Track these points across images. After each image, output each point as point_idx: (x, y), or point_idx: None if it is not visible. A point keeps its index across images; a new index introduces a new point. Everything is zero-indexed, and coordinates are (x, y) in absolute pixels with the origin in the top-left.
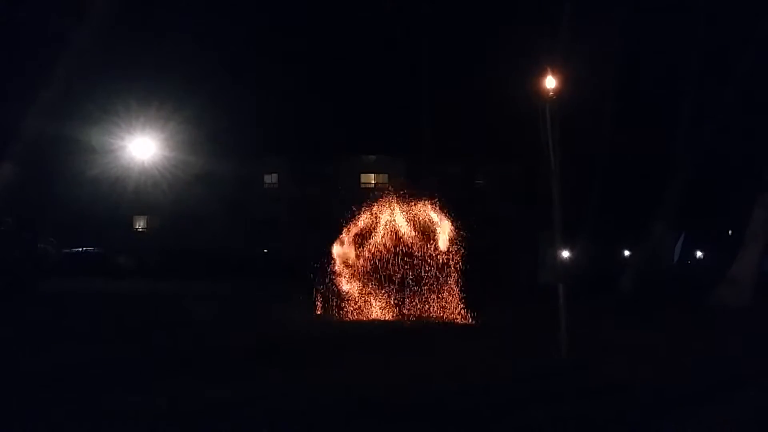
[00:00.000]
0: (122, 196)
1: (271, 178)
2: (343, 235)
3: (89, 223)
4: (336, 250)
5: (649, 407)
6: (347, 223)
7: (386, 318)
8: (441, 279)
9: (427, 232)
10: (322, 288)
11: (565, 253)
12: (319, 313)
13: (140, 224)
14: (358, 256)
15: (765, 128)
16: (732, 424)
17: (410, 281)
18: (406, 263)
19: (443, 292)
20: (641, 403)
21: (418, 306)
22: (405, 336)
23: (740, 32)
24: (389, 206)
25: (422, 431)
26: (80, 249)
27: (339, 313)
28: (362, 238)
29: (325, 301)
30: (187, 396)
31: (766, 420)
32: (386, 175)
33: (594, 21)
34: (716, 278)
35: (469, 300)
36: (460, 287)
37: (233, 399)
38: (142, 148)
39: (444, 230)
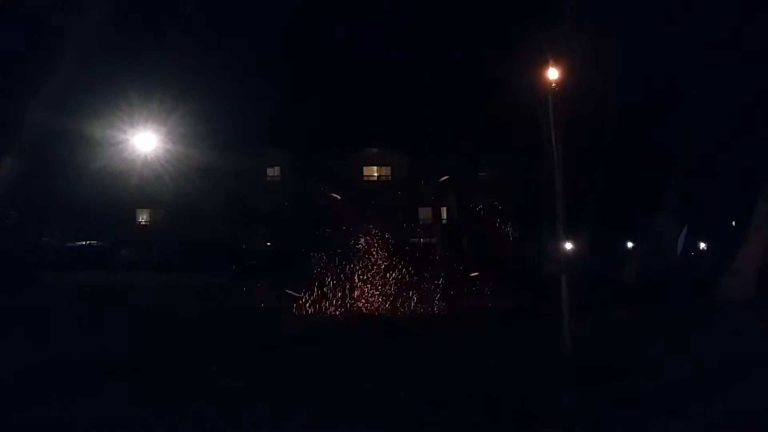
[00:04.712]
0: (125, 190)
1: (273, 171)
2: None
3: (92, 217)
4: None
5: (647, 399)
6: None
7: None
8: (446, 271)
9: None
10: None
11: (568, 245)
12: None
13: (143, 217)
14: None
15: None
16: (727, 414)
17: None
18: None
19: (446, 283)
20: (640, 394)
21: (418, 297)
22: (396, 331)
23: (744, 24)
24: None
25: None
26: (84, 242)
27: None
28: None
29: (320, 296)
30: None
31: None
32: (389, 168)
33: (597, 11)
34: (720, 270)
35: (474, 291)
36: (466, 278)
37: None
38: (144, 141)
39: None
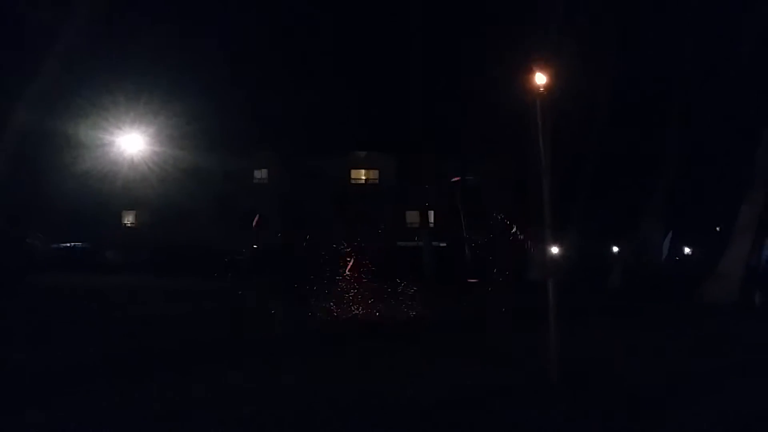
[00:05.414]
0: (111, 191)
1: (260, 174)
2: None
3: (78, 219)
4: None
5: (628, 404)
6: None
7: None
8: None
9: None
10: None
11: (555, 249)
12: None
13: (129, 219)
14: None
15: (752, 126)
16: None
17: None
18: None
19: (432, 287)
20: (623, 399)
21: (400, 301)
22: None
23: (730, 30)
24: None
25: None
26: (69, 244)
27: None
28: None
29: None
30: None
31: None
32: (377, 171)
33: (585, 16)
34: (704, 274)
35: (460, 295)
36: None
37: None
38: (131, 142)
39: None
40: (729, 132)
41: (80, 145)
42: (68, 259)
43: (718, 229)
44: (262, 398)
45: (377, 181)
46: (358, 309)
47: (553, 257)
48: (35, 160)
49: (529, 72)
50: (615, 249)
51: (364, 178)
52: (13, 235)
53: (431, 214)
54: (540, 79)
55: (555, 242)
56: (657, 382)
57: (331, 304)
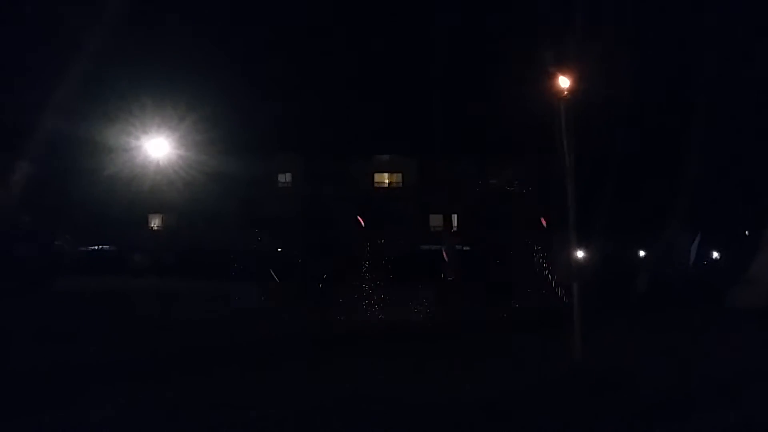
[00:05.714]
0: (138, 195)
1: (284, 177)
2: None
3: (105, 222)
4: None
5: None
6: None
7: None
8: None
9: None
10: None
11: (580, 253)
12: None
13: (155, 223)
14: None
15: None
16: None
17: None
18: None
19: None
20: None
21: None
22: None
23: (757, 31)
24: None
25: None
26: (96, 247)
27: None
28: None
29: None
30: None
31: None
32: (400, 175)
33: (608, 20)
34: (733, 279)
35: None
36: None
37: None
38: (157, 147)
39: None
40: (758, 134)
41: (107, 149)
42: (96, 261)
43: (746, 233)
44: (278, 397)
45: (400, 184)
46: (378, 311)
47: (578, 261)
48: (64, 165)
49: (554, 75)
50: (642, 253)
51: (387, 181)
52: (42, 237)
53: (455, 217)
54: (563, 82)
55: (580, 246)
56: (684, 387)
57: (351, 306)
